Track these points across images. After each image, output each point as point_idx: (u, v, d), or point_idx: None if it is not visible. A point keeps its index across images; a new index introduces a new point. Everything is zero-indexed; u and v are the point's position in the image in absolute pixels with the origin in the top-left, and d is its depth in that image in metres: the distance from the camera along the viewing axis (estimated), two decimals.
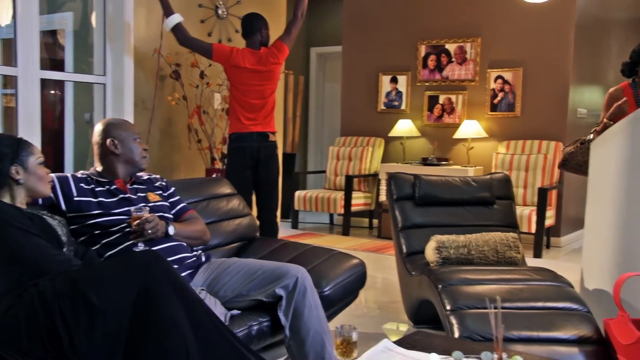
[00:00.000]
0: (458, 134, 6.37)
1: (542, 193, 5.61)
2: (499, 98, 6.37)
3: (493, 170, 6.17)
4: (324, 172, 7.30)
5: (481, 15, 6.46)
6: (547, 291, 2.85)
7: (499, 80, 6.35)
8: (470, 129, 6.30)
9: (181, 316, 1.84)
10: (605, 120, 3.24)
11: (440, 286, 2.86)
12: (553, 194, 5.98)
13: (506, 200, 3.71)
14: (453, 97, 6.63)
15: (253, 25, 4.19)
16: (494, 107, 6.41)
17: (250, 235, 3.25)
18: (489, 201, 3.66)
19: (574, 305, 2.75)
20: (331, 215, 7.38)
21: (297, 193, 6.92)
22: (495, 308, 1.61)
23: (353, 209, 6.66)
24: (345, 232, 6.62)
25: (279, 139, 5.16)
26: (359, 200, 6.76)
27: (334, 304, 2.76)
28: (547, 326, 2.59)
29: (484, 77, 6.45)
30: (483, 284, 2.88)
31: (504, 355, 1.60)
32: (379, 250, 5.82)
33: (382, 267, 5.13)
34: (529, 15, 6.20)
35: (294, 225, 6.98)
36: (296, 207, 6.93)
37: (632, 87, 3.70)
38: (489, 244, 3.29)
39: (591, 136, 3.27)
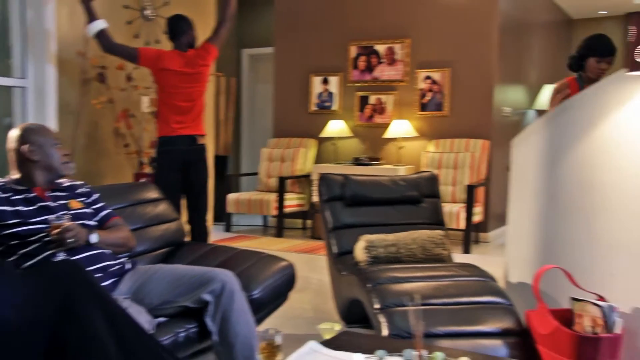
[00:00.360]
0: (388, 134, 6.46)
1: (470, 190, 5.76)
2: (427, 98, 6.50)
3: (423, 169, 6.30)
4: (257, 174, 7.28)
5: (409, 17, 6.58)
6: (472, 286, 2.92)
7: (428, 81, 6.48)
8: (400, 128, 6.40)
9: (102, 328, 1.79)
10: None
11: (369, 285, 2.89)
12: (481, 191, 6.14)
13: (433, 198, 3.78)
14: (383, 98, 6.72)
15: (179, 27, 4.13)
16: (423, 107, 6.54)
17: (178, 240, 3.20)
18: (417, 200, 3.73)
19: (498, 299, 2.83)
20: (265, 217, 7.36)
21: (230, 196, 6.87)
22: (415, 305, 1.65)
23: (286, 210, 6.66)
24: (279, 233, 6.61)
25: (210, 141, 5.11)
26: (292, 201, 6.77)
27: (263, 307, 2.76)
28: (472, 320, 2.67)
29: (413, 77, 6.57)
30: (411, 281, 2.93)
31: (425, 352, 1.64)
32: (312, 251, 5.84)
33: (316, 267, 5.14)
34: (455, 17, 6.36)
35: (227, 229, 6.93)
36: (229, 210, 6.88)
37: (578, 81, 3.78)
38: (416, 242, 3.35)
39: None
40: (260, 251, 3.07)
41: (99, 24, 3.94)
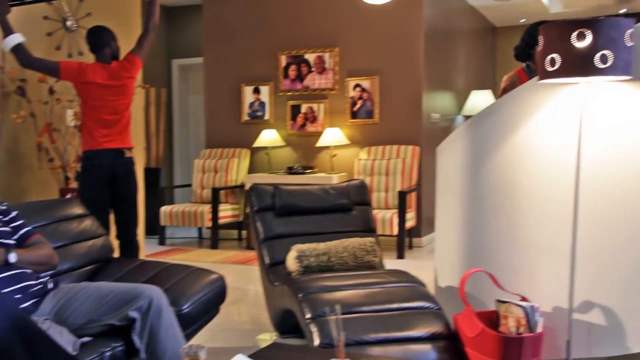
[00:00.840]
0: (321, 142, 6.50)
1: (402, 196, 5.85)
2: (358, 106, 6.58)
3: (356, 176, 6.36)
4: (190, 185, 7.19)
5: (338, 26, 6.64)
6: (402, 292, 2.96)
7: (358, 89, 6.56)
8: (332, 136, 6.45)
9: (20, 354, 1.73)
10: None
11: (300, 295, 2.90)
12: (412, 197, 6.25)
13: (364, 205, 3.82)
14: (315, 106, 6.76)
15: (100, 39, 4.04)
16: (354, 115, 6.61)
17: (105, 256, 3.13)
18: (347, 208, 3.76)
19: (427, 304, 2.88)
20: (200, 229, 7.28)
21: (163, 208, 6.76)
22: (336, 315, 1.66)
23: (221, 221, 6.60)
24: (214, 245, 6.54)
25: (140, 153, 5.02)
26: (226, 212, 6.71)
27: (194, 322, 2.73)
28: (402, 326, 2.70)
29: (343, 85, 6.64)
30: (342, 290, 2.95)
31: None
32: (248, 262, 5.80)
33: (252, 278, 5.11)
34: (382, 26, 6.46)
35: (162, 242, 6.81)
36: (163, 223, 6.77)
37: (527, 71, 3.76)
38: (347, 249, 3.37)
39: None
40: (189, 265, 3.03)
41: (15, 38, 3.80)
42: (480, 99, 7.65)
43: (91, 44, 4.08)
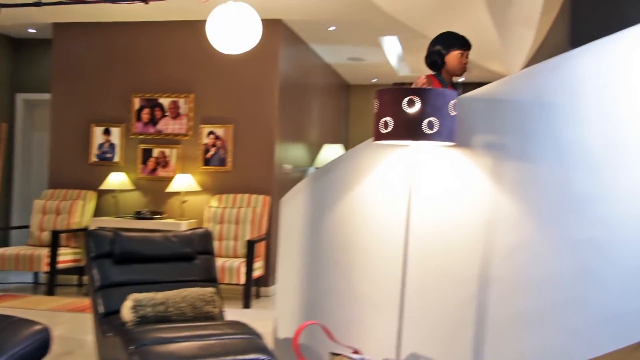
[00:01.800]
0: (172, 188, 6.39)
1: (250, 245, 5.86)
2: (211, 153, 6.57)
3: (205, 224, 6.30)
4: (29, 227, 6.75)
5: (194, 72, 6.65)
6: (238, 345, 2.94)
7: (211, 136, 6.56)
8: (183, 182, 6.37)
9: None
10: None
11: (131, 347, 2.79)
12: (261, 246, 6.27)
13: (207, 255, 3.78)
14: (167, 151, 6.66)
15: None
16: (206, 162, 6.58)
17: None
18: (190, 256, 3.70)
19: (262, 357, 2.87)
20: (36, 274, 6.82)
21: None
22: None
23: (60, 265, 6.24)
24: (51, 291, 6.15)
25: None
26: (67, 256, 6.36)
27: None
28: None
29: (197, 132, 6.61)
30: (176, 342, 2.88)
31: None
32: (87, 310, 5.50)
33: (90, 327, 4.83)
34: (238, 76, 6.55)
35: None
36: None
37: (437, 77, 3.74)
38: (186, 299, 3.31)
39: None
40: (11, 315, 2.82)
41: None
42: (332, 152, 7.91)
43: None
